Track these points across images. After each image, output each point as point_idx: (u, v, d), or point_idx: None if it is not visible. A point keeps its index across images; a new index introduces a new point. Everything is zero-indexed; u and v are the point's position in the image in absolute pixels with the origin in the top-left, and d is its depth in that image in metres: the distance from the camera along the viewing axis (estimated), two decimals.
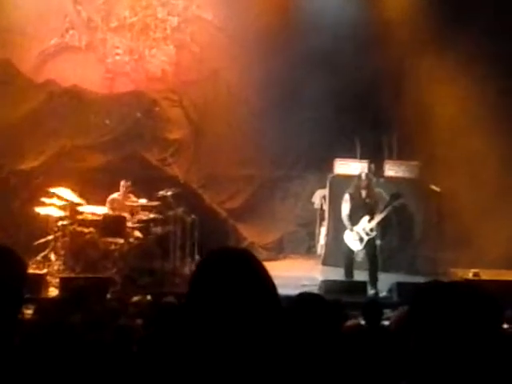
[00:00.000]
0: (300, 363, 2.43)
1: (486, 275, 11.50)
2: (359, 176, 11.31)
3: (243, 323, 1.90)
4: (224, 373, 1.89)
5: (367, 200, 11.14)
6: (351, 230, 11.11)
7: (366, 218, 11.09)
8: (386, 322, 6.26)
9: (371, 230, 11.12)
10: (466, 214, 13.07)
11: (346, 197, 11.20)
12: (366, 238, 11.11)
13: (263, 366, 1.89)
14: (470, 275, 11.48)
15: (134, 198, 11.86)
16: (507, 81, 12.89)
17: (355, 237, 11.12)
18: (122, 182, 11.82)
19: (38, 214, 11.54)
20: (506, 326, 4.59)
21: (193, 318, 1.94)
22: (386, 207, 11.31)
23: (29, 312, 6.05)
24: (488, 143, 12.83)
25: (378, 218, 11.17)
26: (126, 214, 11.51)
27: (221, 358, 1.89)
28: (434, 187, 11.81)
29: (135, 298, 7.29)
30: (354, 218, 11.13)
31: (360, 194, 11.13)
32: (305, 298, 3.14)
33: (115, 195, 11.81)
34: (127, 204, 11.71)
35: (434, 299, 2.03)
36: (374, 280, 11.05)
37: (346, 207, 11.18)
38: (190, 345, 1.92)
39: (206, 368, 1.89)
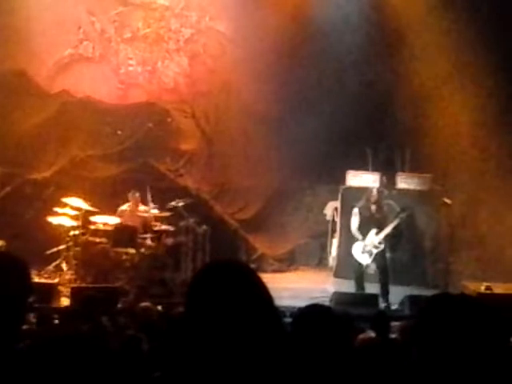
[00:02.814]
0: (308, 377, 2.42)
1: (499, 289, 11.41)
2: (370, 190, 11.31)
3: (240, 335, 1.89)
4: None
5: (376, 215, 11.12)
6: (363, 241, 11.08)
7: (374, 231, 11.06)
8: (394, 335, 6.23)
9: (379, 243, 11.07)
10: (478, 226, 13.00)
11: (355, 211, 11.20)
12: (374, 252, 11.07)
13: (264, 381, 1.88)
14: (482, 288, 11.39)
15: (144, 207, 11.85)
16: None
17: (363, 250, 11.08)
18: (130, 194, 11.84)
19: (51, 223, 11.57)
20: None
21: (189, 329, 1.94)
22: (393, 220, 11.26)
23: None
24: (500, 155, 12.76)
25: (385, 231, 11.12)
26: (137, 225, 11.53)
27: (220, 370, 1.88)
28: (445, 200, 11.75)
29: (143, 304, 7.24)
30: (363, 232, 11.09)
31: (369, 208, 11.11)
32: (312, 309, 3.12)
33: (125, 206, 11.83)
34: (138, 214, 11.72)
35: (441, 312, 2.02)
36: (385, 293, 11.00)
37: (354, 221, 11.17)
38: (189, 356, 1.91)
39: (206, 380, 1.89)
